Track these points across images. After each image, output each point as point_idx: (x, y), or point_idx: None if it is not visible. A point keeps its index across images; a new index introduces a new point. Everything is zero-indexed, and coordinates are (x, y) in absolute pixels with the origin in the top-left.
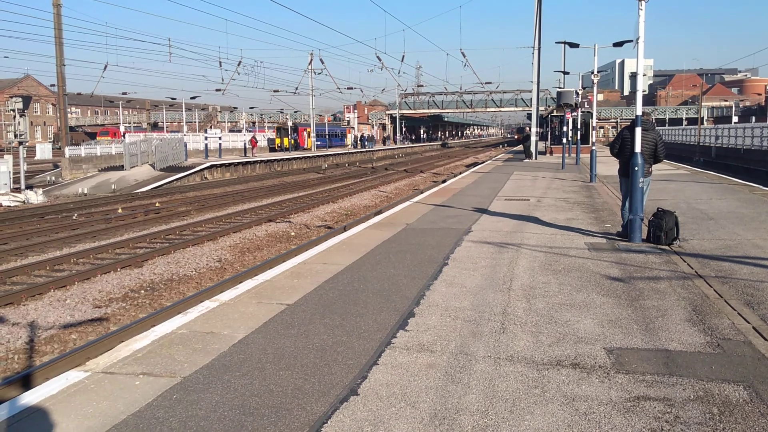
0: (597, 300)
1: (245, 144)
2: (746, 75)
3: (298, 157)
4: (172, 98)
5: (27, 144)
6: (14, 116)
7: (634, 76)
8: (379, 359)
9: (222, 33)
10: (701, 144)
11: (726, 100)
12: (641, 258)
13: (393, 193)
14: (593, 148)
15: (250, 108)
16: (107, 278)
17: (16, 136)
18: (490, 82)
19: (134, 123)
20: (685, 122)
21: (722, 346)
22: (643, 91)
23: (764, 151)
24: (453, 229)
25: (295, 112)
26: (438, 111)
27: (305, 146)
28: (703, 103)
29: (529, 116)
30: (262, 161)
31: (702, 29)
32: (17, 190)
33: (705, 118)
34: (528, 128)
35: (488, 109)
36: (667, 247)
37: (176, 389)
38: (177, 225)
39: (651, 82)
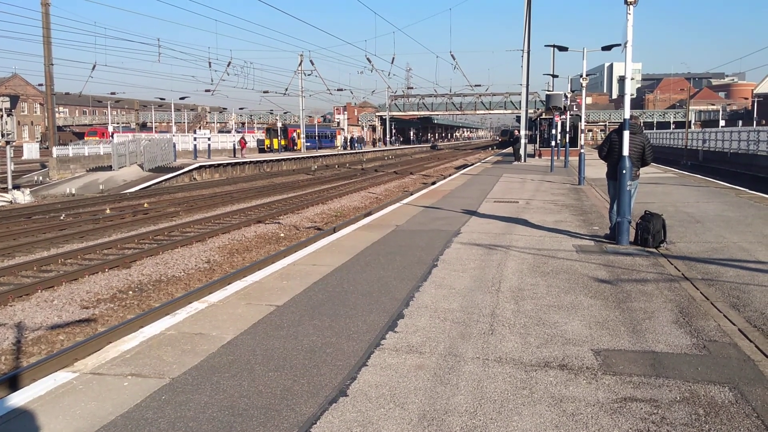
0: (585, 302)
1: (234, 145)
2: (733, 79)
3: (287, 158)
4: (161, 98)
5: (14, 144)
6: (1, 115)
7: (622, 80)
8: (368, 360)
9: (212, 33)
10: (688, 147)
11: (713, 104)
12: (629, 260)
13: (382, 195)
14: (582, 151)
15: (240, 109)
16: (95, 279)
17: (3, 135)
18: (479, 85)
19: (123, 123)
20: (672, 126)
21: (708, 347)
22: (631, 95)
23: (750, 155)
24: (442, 230)
25: (284, 113)
26: (428, 113)
27: (295, 147)
28: (690, 107)
29: (518, 119)
30: (251, 162)
31: (690, 33)
32: (4, 190)
33: (692, 121)
34: (517, 131)
35: (477, 112)
36: (654, 250)
37: (165, 390)
38: (165, 226)
39: (639, 85)
